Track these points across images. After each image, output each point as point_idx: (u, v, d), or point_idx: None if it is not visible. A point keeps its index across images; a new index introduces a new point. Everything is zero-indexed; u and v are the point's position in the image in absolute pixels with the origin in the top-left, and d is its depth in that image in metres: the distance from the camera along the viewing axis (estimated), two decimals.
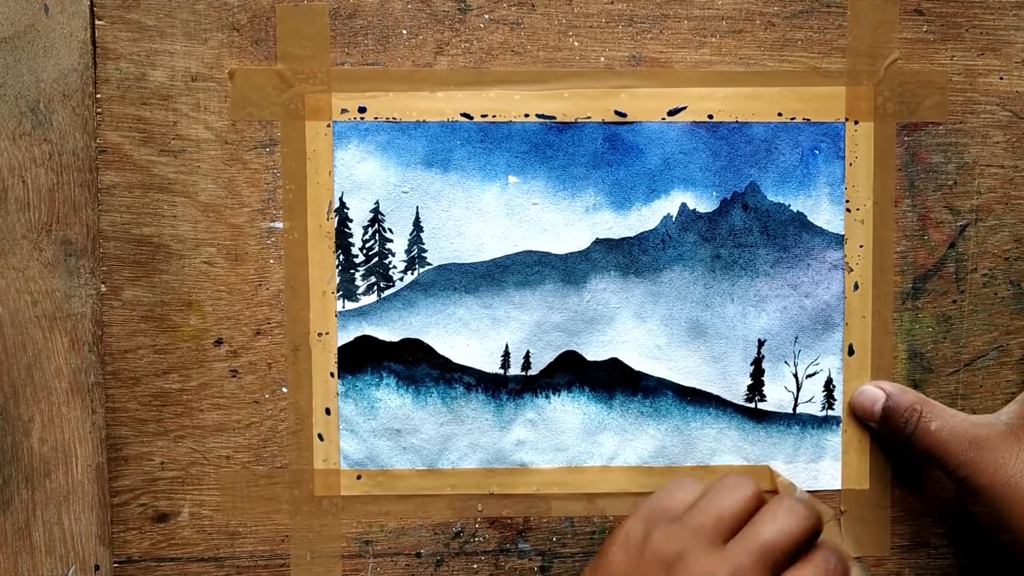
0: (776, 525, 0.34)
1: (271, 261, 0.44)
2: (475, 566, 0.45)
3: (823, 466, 0.45)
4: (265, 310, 0.45)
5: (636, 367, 0.45)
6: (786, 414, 0.45)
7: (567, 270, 0.44)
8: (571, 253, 0.45)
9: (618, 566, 0.35)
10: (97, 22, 0.43)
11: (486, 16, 0.44)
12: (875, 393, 0.43)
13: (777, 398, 0.45)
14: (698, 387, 0.45)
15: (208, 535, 0.45)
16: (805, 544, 0.34)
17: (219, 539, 0.45)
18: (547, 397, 0.45)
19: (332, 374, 0.45)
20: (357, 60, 0.44)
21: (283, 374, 0.45)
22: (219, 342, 0.45)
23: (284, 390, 0.45)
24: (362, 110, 0.44)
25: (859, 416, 0.44)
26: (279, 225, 0.44)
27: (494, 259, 0.44)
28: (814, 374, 0.45)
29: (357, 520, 0.45)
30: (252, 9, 0.44)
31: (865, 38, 0.44)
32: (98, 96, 0.43)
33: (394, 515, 0.45)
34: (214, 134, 0.44)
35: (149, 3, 0.43)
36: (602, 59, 0.44)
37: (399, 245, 0.45)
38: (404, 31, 0.44)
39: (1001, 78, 0.44)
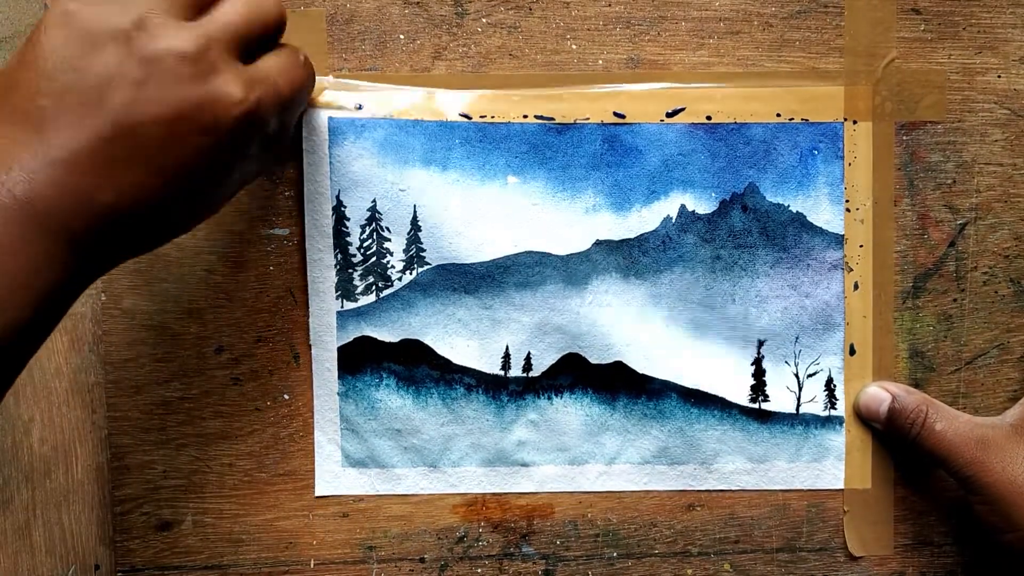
0: (241, 7, 0.33)
1: (271, 268, 0.44)
2: (479, 570, 0.45)
3: (826, 466, 0.45)
4: (266, 317, 0.45)
5: (641, 370, 0.45)
6: (789, 414, 0.45)
7: (568, 271, 0.44)
8: (572, 254, 0.44)
9: (57, 49, 0.30)
10: None
11: (483, 20, 0.44)
12: (880, 395, 0.44)
13: (779, 399, 0.45)
14: (702, 389, 0.45)
15: (211, 543, 0.45)
16: (274, 38, 0.35)
17: (222, 547, 0.45)
18: (549, 398, 0.45)
19: (332, 375, 0.45)
20: (355, 65, 0.44)
21: (284, 381, 0.45)
22: (220, 350, 0.45)
23: (286, 397, 0.45)
24: (359, 108, 0.43)
25: (864, 418, 0.45)
26: (279, 231, 0.44)
27: (494, 259, 0.44)
28: (815, 374, 0.45)
29: (360, 526, 0.45)
30: None
31: (863, 38, 0.44)
32: None
33: (398, 520, 0.45)
34: None
35: None
36: (600, 62, 0.44)
37: (397, 245, 0.44)
38: (401, 36, 0.44)
39: (999, 76, 0.44)
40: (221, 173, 0.34)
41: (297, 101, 0.36)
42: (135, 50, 0.31)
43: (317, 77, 0.42)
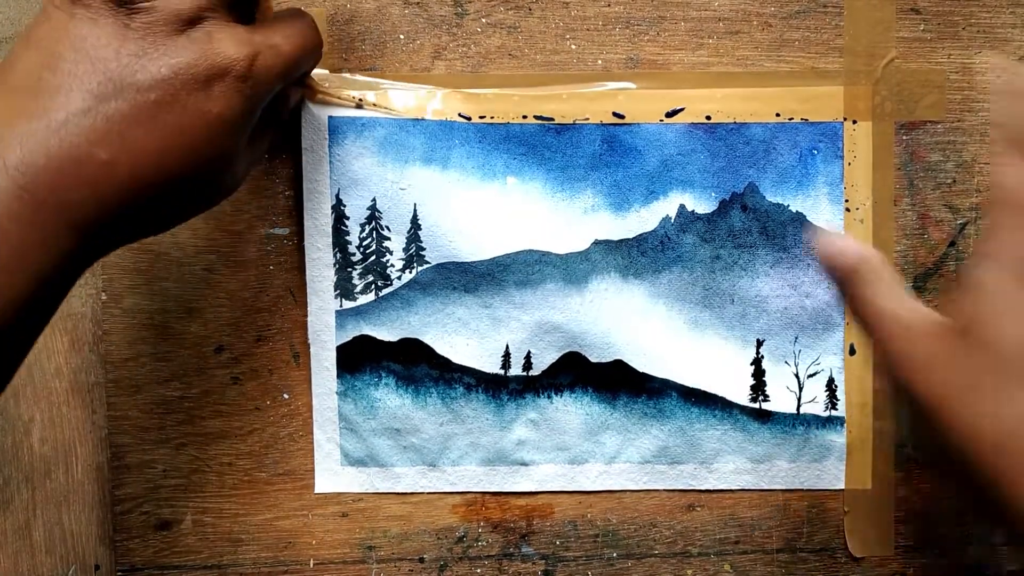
0: None
1: (271, 268, 0.44)
2: (479, 571, 0.45)
3: (827, 466, 0.45)
4: (266, 316, 0.45)
5: (641, 369, 0.45)
6: (790, 415, 0.45)
7: (568, 270, 0.44)
8: (571, 253, 0.44)
9: (54, 23, 0.31)
10: None
11: (483, 20, 0.44)
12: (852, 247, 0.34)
13: (780, 399, 0.45)
14: (702, 388, 0.45)
15: (211, 543, 0.45)
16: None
17: (222, 547, 0.45)
18: (549, 397, 0.45)
19: (331, 374, 0.45)
20: (355, 65, 0.44)
21: (284, 380, 0.45)
22: (220, 349, 0.45)
23: (286, 396, 0.45)
24: (359, 106, 0.43)
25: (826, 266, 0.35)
26: (279, 231, 0.44)
27: (494, 258, 0.44)
28: (815, 374, 0.45)
29: (360, 526, 0.45)
30: None
31: (862, 38, 0.44)
32: None
33: (397, 520, 0.45)
34: None
35: None
36: (600, 62, 0.44)
37: (397, 243, 0.44)
38: (401, 36, 0.44)
39: (999, 76, 0.44)
40: (223, 142, 0.33)
41: (299, 65, 0.36)
42: (133, 16, 0.31)
43: (317, 74, 0.42)
